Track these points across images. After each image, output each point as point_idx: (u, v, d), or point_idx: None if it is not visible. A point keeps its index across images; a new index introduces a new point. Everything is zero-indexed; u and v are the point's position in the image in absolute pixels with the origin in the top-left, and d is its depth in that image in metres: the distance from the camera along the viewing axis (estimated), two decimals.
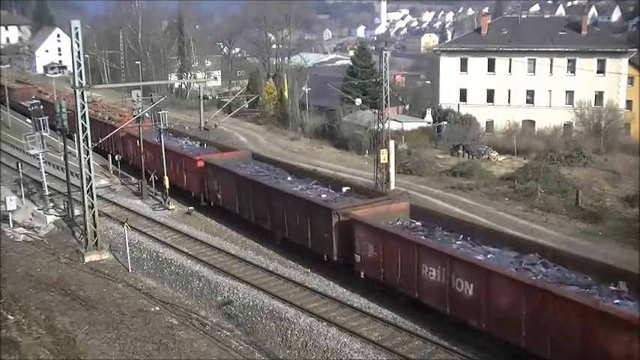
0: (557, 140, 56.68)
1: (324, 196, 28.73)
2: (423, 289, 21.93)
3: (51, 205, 35.90)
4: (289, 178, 32.01)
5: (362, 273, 24.54)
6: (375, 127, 44.85)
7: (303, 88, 71.42)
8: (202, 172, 35.01)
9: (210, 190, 34.50)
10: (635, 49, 65.16)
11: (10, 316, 19.91)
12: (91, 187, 29.18)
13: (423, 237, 23.38)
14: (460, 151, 52.63)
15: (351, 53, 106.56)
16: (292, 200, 28.15)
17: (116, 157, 43.55)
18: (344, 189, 29.38)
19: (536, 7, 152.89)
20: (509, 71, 66.35)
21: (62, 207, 35.62)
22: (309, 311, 23.08)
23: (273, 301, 23.93)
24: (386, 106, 41.03)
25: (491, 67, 66.87)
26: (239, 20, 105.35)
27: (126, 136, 43.83)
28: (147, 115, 40.59)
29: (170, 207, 36.36)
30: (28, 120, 52.11)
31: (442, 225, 24.66)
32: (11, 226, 33.02)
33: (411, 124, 60.07)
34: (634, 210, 37.89)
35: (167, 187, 36.96)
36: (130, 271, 28.18)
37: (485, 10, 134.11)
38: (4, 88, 70.11)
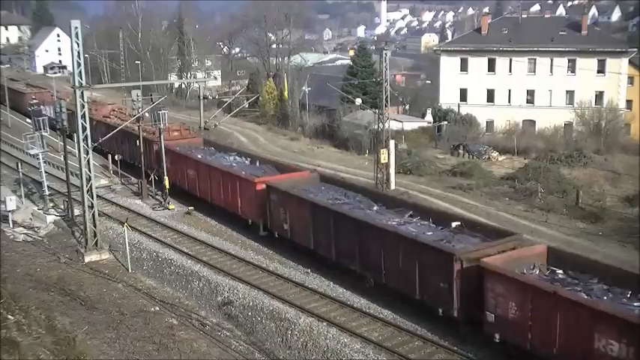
0: (557, 140, 56.67)
1: (429, 233, 23.68)
2: None
3: (51, 205, 35.89)
4: (375, 208, 27.06)
5: (496, 336, 19.72)
6: (375, 127, 44.84)
7: (303, 88, 71.41)
8: (263, 196, 29.96)
9: (274, 219, 29.42)
10: (635, 49, 65.17)
11: (10, 316, 19.89)
12: (90, 187, 29.18)
13: (585, 295, 18.51)
14: (460, 151, 52.63)
15: (351, 53, 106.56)
16: (394, 239, 23.08)
17: (116, 157, 43.46)
18: (453, 224, 24.05)
19: (536, 7, 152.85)
20: (510, 71, 66.36)
21: (62, 207, 35.61)
22: (310, 311, 23.07)
23: (273, 301, 23.92)
24: (386, 106, 41.03)
25: (491, 67, 66.86)
26: (239, 20, 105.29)
27: (167, 152, 38.19)
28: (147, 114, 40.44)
29: (170, 207, 36.34)
30: (28, 120, 52.11)
31: (593, 274, 19.71)
32: (11, 226, 33.00)
33: (411, 124, 60.07)
34: (634, 210, 37.91)
35: (167, 187, 36.93)
36: (130, 271, 28.17)
37: (486, 9, 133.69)
38: (3, 89, 69.96)
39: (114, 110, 52.06)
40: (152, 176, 39.41)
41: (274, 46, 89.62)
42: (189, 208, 35.87)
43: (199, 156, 37.11)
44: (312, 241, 27.22)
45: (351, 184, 31.71)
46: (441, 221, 24.74)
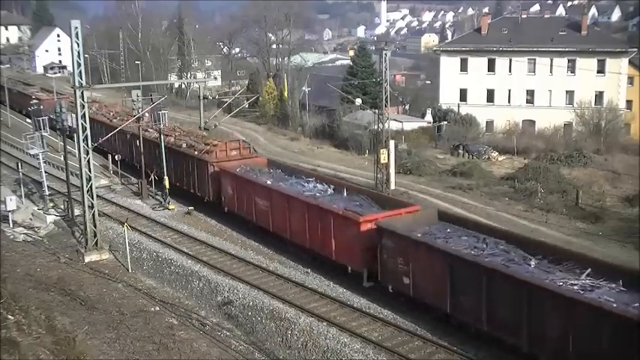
0: (557, 140, 56.67)
1: (636, 305, 17.54)
2: None
3: (51, 205, 35.91)
4: (534, 262, 20.66)
5: None
6: (375, 127, 44.85)
7: (303, 88, 71.46)
8: (370, 240, 24.15)
9: (388, 270, 23.59)
10: (635, 49, 65.15)
11: (10, 316, 19.87)
12: (91, 187, 29.20)
13: None
14: (460, 151, 52.64)
15: (351, 53, 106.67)
16: (591, 314, 17.20)
17: (116, 157, 43.42)
18: None
19: (536, 7, 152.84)
20: (509, 71, 66.33)
21: (62, 207, 35.62)
22: (309, 311, 23.07)
23: (273, 301, 23.93)
24: (386, 106, 41.04)
25: (491, 67, 66.84)
26: (239, 20, 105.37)
27: (220, 172, 33.93)
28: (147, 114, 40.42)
29: (170, 207, 36.35)
30: (28, 120, 52.10)
31: None
32: (11, 226, 33.01)
33: (411, 124, 60.08)
34: (634, 210, 37.90)
35: (167, 187, 36.93)
36: (130, 271, 28.19)
37: (486, 10, 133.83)
38: (4, 90, 69.79)
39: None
40: (152, 176, 39.40)
41: (274, 46, 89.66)
42: (189, 208, 35.88)
43: (269, 182, 31.25)
44: (448, 302, 21.43)
45: (478, 224, 25.19)
46: (631, 281, 18.68)
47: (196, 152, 35.86)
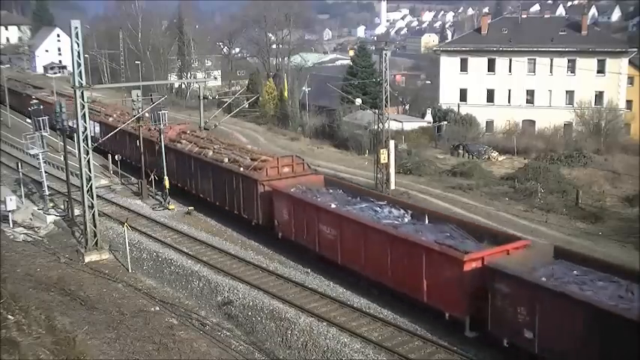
0: (557, 140, 56.70)
1: None
2: None
3: (51, 205, 35.91)
4: None
5: None
6: (375, 127, 44.85)
7: (303, 88, 71.46)
8: (474, 282, 20.32)
9: (502, 320, 19.42)
10: (635, 49, 65.17)
11: (10, 316, 19.89)
12: (91, 187, 29.20)
13: None
14: (460, 151, 52.66)
15: (351, 53, 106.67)
16: None
17: (116, 157, 43.41)
18: None
19: (536, 7, 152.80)
20: (509, 71, 66.36)
21: (62, 207, 35.62)
22: (309, 311, 23.08)
23: (273, 301, 23.94)
24: (386, 106, 41.04)
25: (491, 67, 66.87)
26: (239, 20, 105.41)
27: (273, 193, 29.82)
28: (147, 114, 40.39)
29: (170, 207, 36.36)
30: (28, 120, 52.10)
31: None
32: (11, 226, 33.02)
33: (411, 124, 60.08)
34: (634, 210, 37.90)
35: (167, 187, 36.92)
36: (130, 271, 28.20)
37: (486, 10, 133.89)
38: (3, 89, 69.73)
39: (184, 133, 40.09)
40: (152, 176, 39.39)
41: (274, 46, 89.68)
42: (189, 208, 35.88)
43: (333, 205, 27.20)
44: None
45: (606, 264, 20.27)
46: None
47: (242, 169, 31.96)
